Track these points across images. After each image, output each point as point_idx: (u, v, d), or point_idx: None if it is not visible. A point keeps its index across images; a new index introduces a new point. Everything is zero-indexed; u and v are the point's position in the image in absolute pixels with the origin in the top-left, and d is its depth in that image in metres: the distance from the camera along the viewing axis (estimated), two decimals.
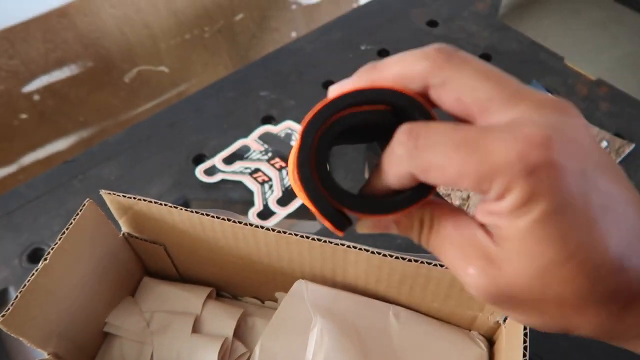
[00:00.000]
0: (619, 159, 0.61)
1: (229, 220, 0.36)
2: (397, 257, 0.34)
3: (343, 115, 0.20)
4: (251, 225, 0.36)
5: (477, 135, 0.16)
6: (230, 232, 0.37)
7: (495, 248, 0.18)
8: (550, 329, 0.19)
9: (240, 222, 0.36)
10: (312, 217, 0.59)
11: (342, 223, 0.20)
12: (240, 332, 0.43)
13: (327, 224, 0.20)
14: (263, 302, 0.45)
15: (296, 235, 0.35)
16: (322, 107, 0.20)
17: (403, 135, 0.18)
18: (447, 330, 0.39)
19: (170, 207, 0.36)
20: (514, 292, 0.17)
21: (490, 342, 0.40)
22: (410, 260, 0.34)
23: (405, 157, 0.18)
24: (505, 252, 0.17)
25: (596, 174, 0.16)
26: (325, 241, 0.35)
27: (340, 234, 0.20)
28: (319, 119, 0.20)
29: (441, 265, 0.34)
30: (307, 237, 0.35)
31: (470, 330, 0.40)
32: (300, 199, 0.20)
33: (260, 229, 0.35)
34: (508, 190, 0.16)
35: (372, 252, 0.34)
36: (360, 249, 0.34)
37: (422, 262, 0.34)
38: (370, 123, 0.20)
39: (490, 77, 0.17)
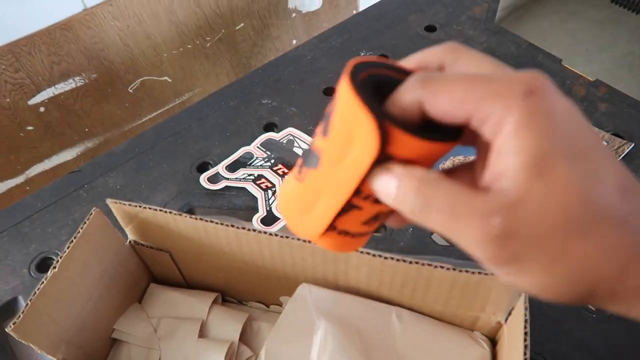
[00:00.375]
0: (619, 159, 0.62)
1: (232, 226, 0.36)
2: (398, 260, 0.35)
3: (379, 72, 0.21)
4: (254, 230, 0.36)
5: (483, 75, 0.19)
6: (234, 238, 0.38)
7: (505, 195, 0.18)
8: (567, 277, 0.18)
9: (243, 228, 0.36)
10: None
11: (380, 115, 0.19)
12: (246, 337, 0.43)
13: (364, 111, 0.19)
14: (268, 307, 0.46)
15: (299, 240, 0.36)
16: (366, 60, 0.21)
17: (420, 73, 0.20)
18: (449, 331, 0.39)
19: (175, 214, 0.37)
20: (534, 230, 0.17)
21: (493, 342, 0.40)
22: (411, 263, 0.34)
23: (418, 85, 0.19)
24: (515, 190, 0.17)
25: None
26: None
27: (377, 135, 0.19)
28: (365, 64, 0.21)
29: (442, 267, 0.34)
30: (310, 242, 0.36)
31: (472, 331, 0.40)
32: (339, 104, 0.20)
33: (263, 234, 0.36)
34: (508, 110, 0.17)
35: (374, 255, 0.35)
36: (362, 252, 0.35)
37: (423, 264, 0.34)
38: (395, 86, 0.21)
39: (493, 61, 0.20)
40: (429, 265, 0.34)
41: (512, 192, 0.17)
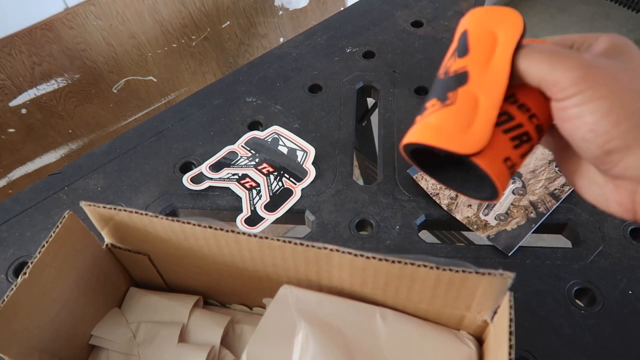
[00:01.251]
0: None
1: (210, 227, 0.35)
2: (380, 259, 0.34)
3: None
4: (233, 231, 0.35)
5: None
6: (213, 239, 0.36)
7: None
8: (627, 102, 0.26)
9: (222, 229, 0.35)
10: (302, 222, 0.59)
11: None
12: (229, 340, 0.42)
13: (507, 8, 0.29)
14: (251, 309, 0.45)
15: (279, 240, 0.35)
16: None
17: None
18: (435, 330, 0.38)
19: (152, 216, 0.36)
20: (610, 70, 0.26)
21: (480, 342, 0.39)
22: (394, 262, 0.34)
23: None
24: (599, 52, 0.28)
25: None
26: (307, 245, 0.34)
27: (521, 18, 0.29)
28: None
29: (425, 265, 0.33)
30: (290, 242, 0.35)
31: (459, 330, 0.39)
32: (474, 21, 0.29)
33: (242, 235, 0.35)
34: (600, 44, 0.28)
35: (356, 255, 0.34)
36: (343, 252, 0.34)
37: (406, 263, 0.34)
38: None
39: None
40: (412, 264, 0.33)
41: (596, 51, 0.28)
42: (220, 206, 0.58)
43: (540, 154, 0.62)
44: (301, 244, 0.35)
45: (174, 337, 0.40)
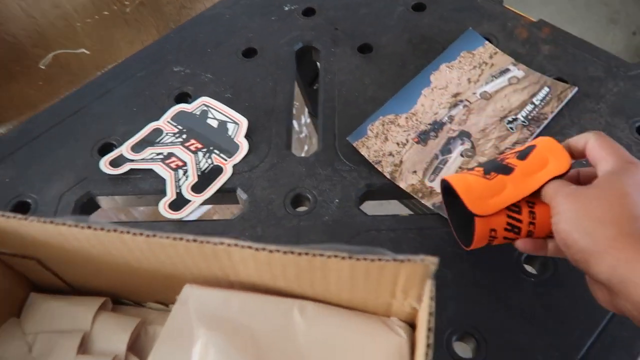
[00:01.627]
0: (561, 105, 0.57)
1: (89, 227, 0.30)
2: (285, 252, 0.29)
3: None
4: (116, 230, 0.30)
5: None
6: (96, 241, 0.32)
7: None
8: (586, 223, 0.33)
9: (102, 229, 0.30)
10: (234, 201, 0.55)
11: None
12: (140, 343, 0.38)
13: (564, 150, 0.39)
14: (168, 306, 0.41)
15: (168, 237, 0.30)
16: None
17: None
18: (361, 321, 0.35)
19: (15, 218, 0.31)
20: (585, 197, 0.34)
21: (413, 327, 0.36)
22: (300, 254, 0.29)
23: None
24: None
25: None
26: (202, 242, 0.30)
27: (570, 162, 0.39)
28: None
29: (336, 256, 0.29)
30: (182, 239, 0.30)
31: (389, 317, 0.36)
32: (542, 147, 0.40)
33: (127, 234, 0.30)
34: (613, 164, 0.36)
35: (257, 249, 0.29)
36: (242, 246, 0.30)
37: (314, 255, 0.29)
38: None
39: None
40: (321, 255, 0.29)
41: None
42: (143, 190, 0.53)
43: (491, 111, 0.58)
44: (194, 241, 0.30)
45: (73, 349, 0.35)
